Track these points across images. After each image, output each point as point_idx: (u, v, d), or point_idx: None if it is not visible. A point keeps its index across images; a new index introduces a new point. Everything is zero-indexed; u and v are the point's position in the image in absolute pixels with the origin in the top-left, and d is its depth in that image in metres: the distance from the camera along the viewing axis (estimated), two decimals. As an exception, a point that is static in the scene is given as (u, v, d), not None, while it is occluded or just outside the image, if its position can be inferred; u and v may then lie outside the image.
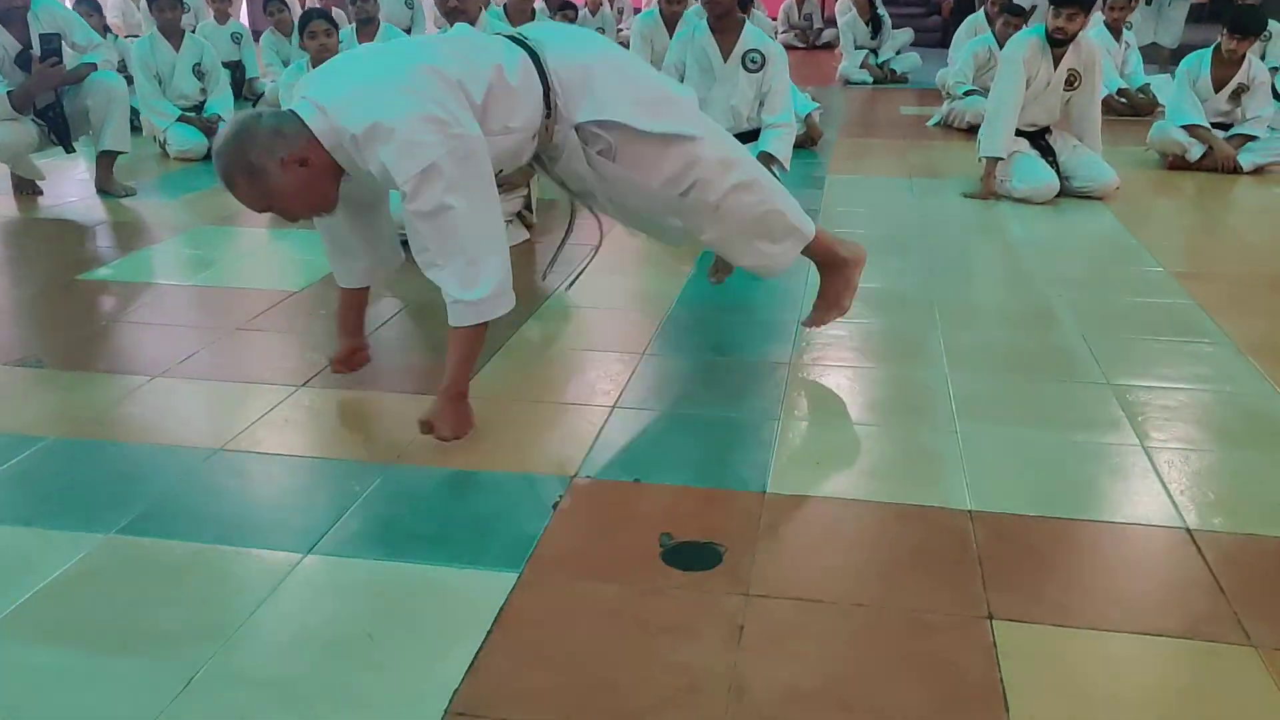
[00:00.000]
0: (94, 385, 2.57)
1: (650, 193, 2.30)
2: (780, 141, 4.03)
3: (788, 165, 4.12)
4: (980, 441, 2.24)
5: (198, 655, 1.55)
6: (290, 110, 2.09)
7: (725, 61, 4.05)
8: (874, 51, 8.97)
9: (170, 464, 2.15)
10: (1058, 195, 4.46)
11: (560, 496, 2.03)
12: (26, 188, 4.63)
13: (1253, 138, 5.02)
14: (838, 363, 2.72)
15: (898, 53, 9.22)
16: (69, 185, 4.87)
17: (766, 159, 3.99)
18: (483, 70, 2.13)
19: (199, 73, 5.53)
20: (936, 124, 6.51)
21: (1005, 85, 4.46)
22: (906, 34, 9.77)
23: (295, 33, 6.83)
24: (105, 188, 4.64)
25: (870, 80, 8.81)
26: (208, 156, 5.44)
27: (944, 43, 11.14)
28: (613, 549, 1.86)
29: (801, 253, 2.54)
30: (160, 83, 5.43)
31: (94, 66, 4.49)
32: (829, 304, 2.70)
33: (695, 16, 4.94)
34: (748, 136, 4.12)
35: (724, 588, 1.73)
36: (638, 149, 2.25)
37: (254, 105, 6.49)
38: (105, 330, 3.03)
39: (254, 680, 1.51)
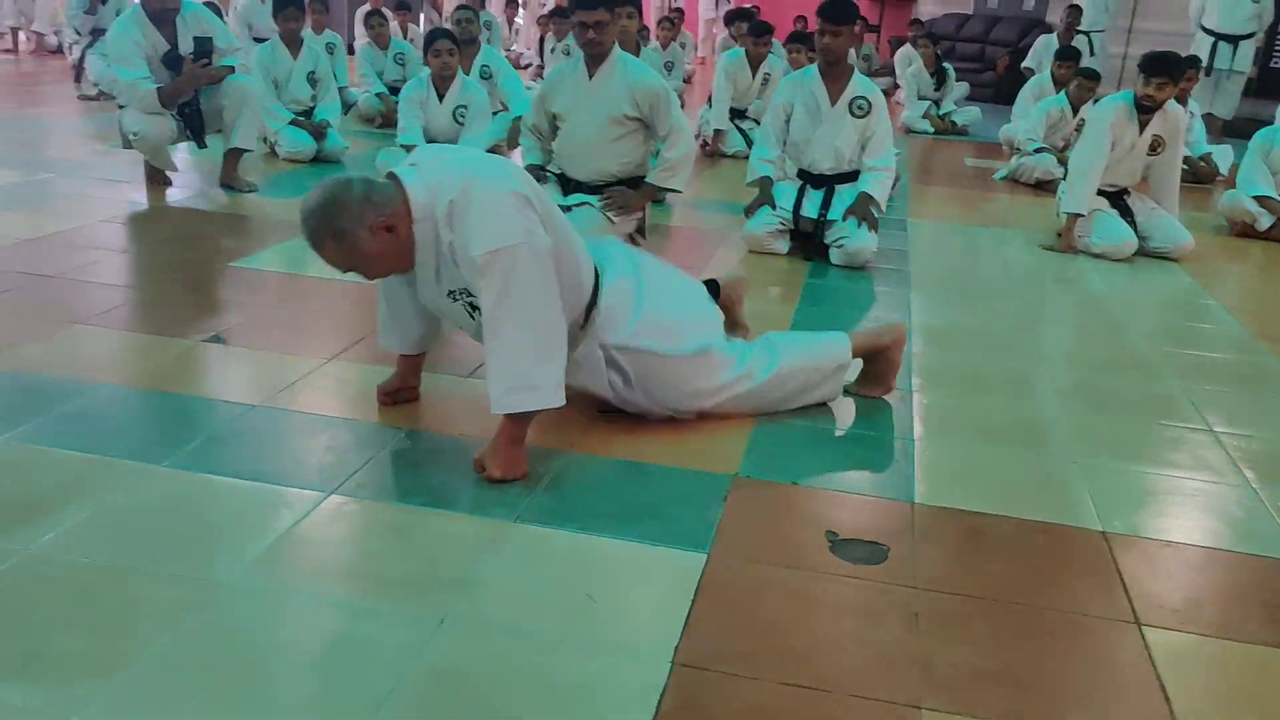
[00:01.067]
0: (278, 363, 2.80)
1: (676, 393, 2.48)
2: (879, 184, 4.26)
3: (884, 207, 4.34)
4: (1100, 472, 2.45)
5: (444, 601, 1.77)
6: (390, 174, 2.19)
7: (833, 106, 4.28)
8: (936, 103, 9.22)
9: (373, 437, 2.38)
10: (1134, 254, 4.67)
11: (727, 491, 2.24)
12: (158, 178, 4.89)
13: (1322, 212, 5.23)
14: (956, 393, 2.93)
15: (957, 105, 9.46)
16: (193, 179, 5.12)
17: (866, 199, 4.22)
18: (567, 234, 2.27)
19: (312, 80, 5.81)
20: (1004, 177, 6.74)
21: (1091, 146, 4.68)
22: (963, 88, 10.03)
23: (391, 47, 7.14)
24: (229, 183, 4.90)
25: (931, 130, 9.05)
26: (315, 159, 5.72)
27: (997, 98, 11.42)
28: (785, 540, 2.07)
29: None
30: (276, 87, 5.70)
31: (232, 69, 4.76)
32: (874, 384, 2.83)
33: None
34: (847, 177, 4.35)
35: (893, 580, 1.94)
36: (660, 366, 2.43)
37: (344, 112, 6.73)
38: (269, 313, 3.26)
39: (499, 624, 1.72)
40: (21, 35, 10.55)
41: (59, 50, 10.25)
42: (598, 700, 1.56)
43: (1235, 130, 9.05)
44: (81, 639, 1.62)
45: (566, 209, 4.00)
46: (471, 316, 2.28)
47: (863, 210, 4.20)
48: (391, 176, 2.19)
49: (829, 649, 1.72)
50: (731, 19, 9.29)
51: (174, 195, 4.81)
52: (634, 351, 2.41)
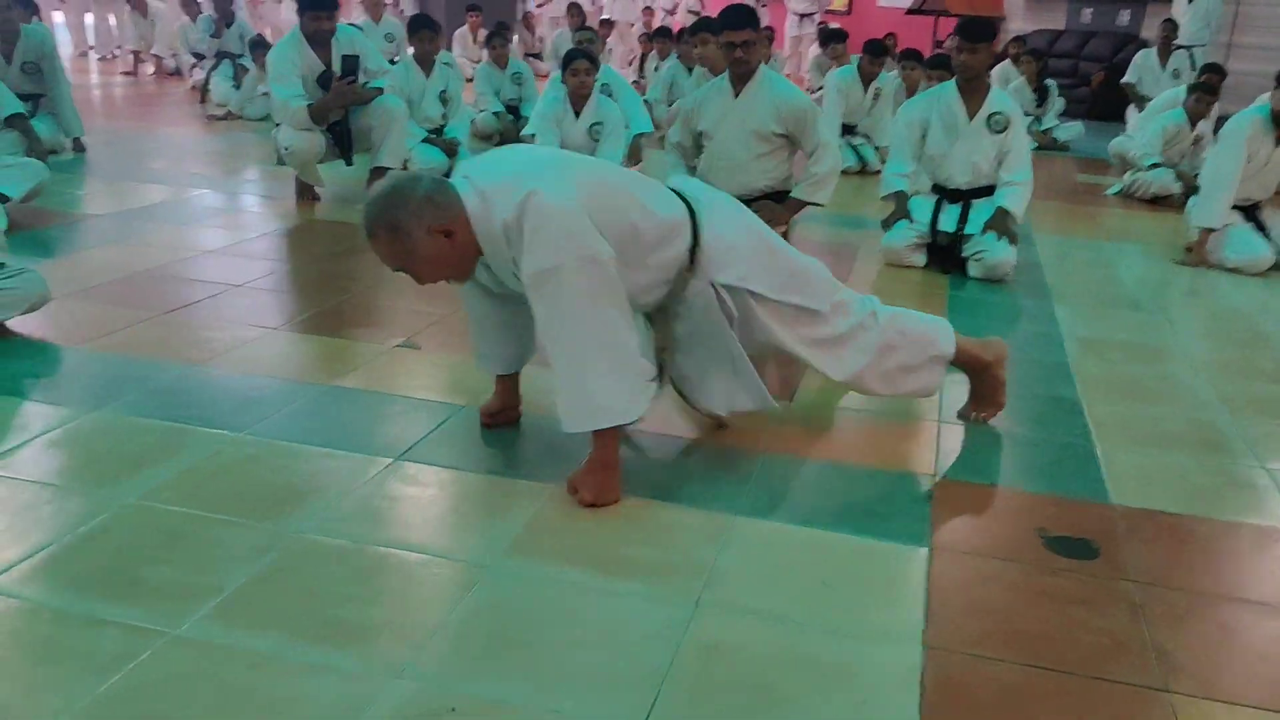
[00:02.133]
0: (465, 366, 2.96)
1: (784, 339, 2.40)
2: (1017, 197, 4.32)
3: (1021, 220, 4.40)
4: (1289, 477, 2.50)
5: (692, 585, 1.89)
6: (450, 183, 2.15)
7: (970, 121, 4.36)
8: (1037, 119, 9.21)
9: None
10: (1269, 269, 4.66)
11: (932, 490, 2.33)
12: (307, 193, 5.12)
13: None
14: (1123, 400, 2.98)
15: (1059, 121, 9.43)
16: (340, 194, 5.35)
17: (1004, 214, 4.28)
18: (643, 203, 2.23)
19: (444, 99, 6.03)
20: (1117, 192, 6.72)
21: (1225, 159, 4.69)
22: (1060, 103, 9.99)
23: (509, 66, 7.35)
24: (375, 198, 5.10)
25: (1035, 145, 9.03)
26: (447, 174, 5.92)
27: (1091, 114, 11.35)
28: (997, 536, 2.16)
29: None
30: (410, 106, 5.92)
31: (381, 91, 4.97)
32: (984, 402, 2.74)
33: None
34: (983, 191, 4.42)
35: (1109, 574, 2.02)
36: (767, 311, 2.36)
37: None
38: (451, 318, 3.42)
39: (749, 608, 1.84)
40: (142, 58, 11.00)
41: (176, 73, 10.67)
42: (863, 679, 1.66)
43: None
44: (177, 571, 1.86)
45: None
46: None
47: (1001, 225, 4.27)
48: (450, 186, 2.15)
49: (1062, 635, 1.81)
50: (827, 40, 9.37)
51: (324, 210, 5.03)
52: (739, 291, 2.33)
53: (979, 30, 4.28)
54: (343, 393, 2.75)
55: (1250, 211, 4.81)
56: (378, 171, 5.11)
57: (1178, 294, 4.41)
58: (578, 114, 5.11)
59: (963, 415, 2.75)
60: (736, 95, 4.07)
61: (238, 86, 8.25)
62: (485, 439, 2.51)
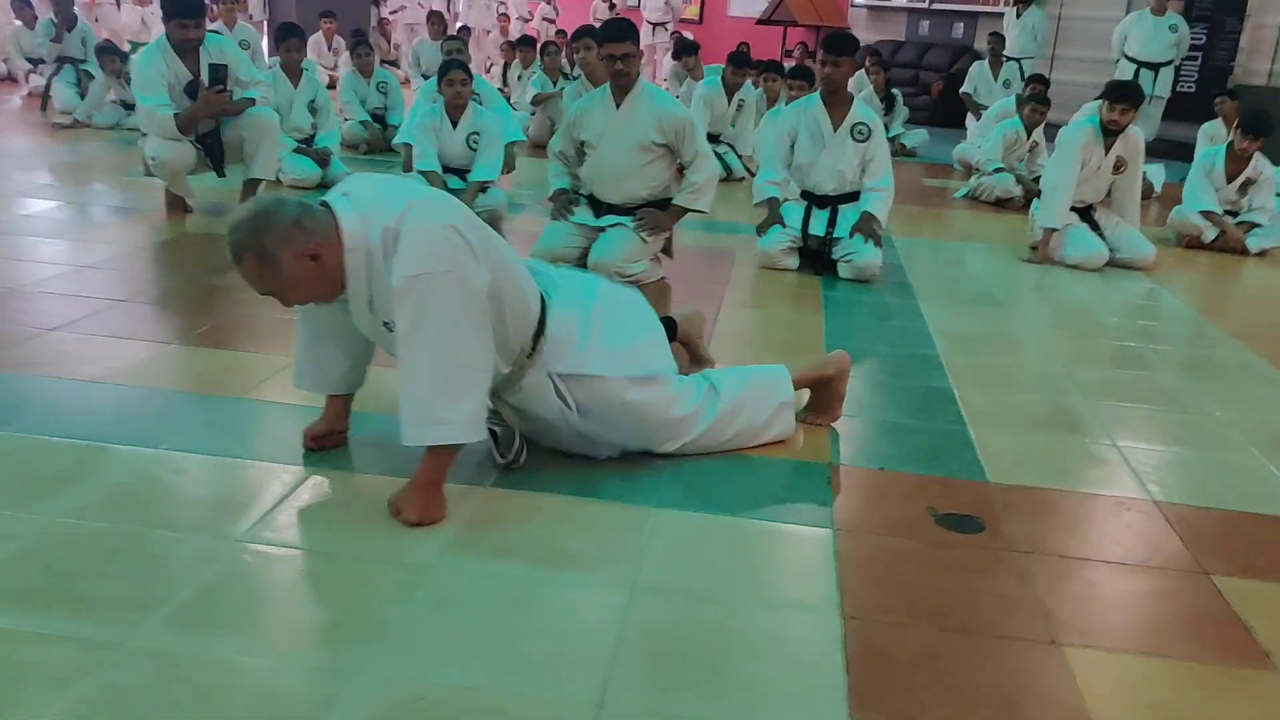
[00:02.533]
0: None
1: (626, 424, 2.43)
2: (881, 203, 4.60)
3: (884, 224, 4.68)
4: (1134, 451, 2.79)
5: (625, 572, 2.01)
6: (322, 203, 2.14)
7: (835, 131, 4.61)
8: (885, 126, 9.67)
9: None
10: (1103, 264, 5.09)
11: (829, 477, 2.52)
12: (178, 205, 5.01)
13: (1257, 225, 5.74)
14: (991, 389, 3.25)
15: (904, 128, 9.93)
16: (211, 206, 5.24)
17: (870, 218, 4.55)
18: (508, 263, 2.23)
19: (313, 108, 5.96)
20: (963, 196, 7.17)
21: (1063, 165, 5.10)
22: (905, 111, 10.52)
23: (374, 75, 7.31)
24: (250, 209, 5.03)
25: (884, 151, 9.50)
26: (319, 185, 5.87)
27: (931, 121, 11.99)
28: (893, 516, 2.36)
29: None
30: (279, 116, 5.84)
31: (253, 101, 4.91)
32: (821, 412, 2.83)
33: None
34: (849, 197, 4.69)
35: (996, 545, 2.24)
36: (608, 391, 2.38)
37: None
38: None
39: (682, 590, 1.97)
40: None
41: (8, 79, 10.15)
42: (793, 649, 1.82)
43: (1153, 151, 9.69)
44: (121, 585, 1.87)
45: (601, 229, 4.27)
46: None
47: (868, 228, 4.54)
48: (324, 205, 2.15)
49: (963, 601, 2.01)
50: (680, 52, 9.59)
51: (197, 223, 4.93)
52: (579, 378, 2.37)
53: (842, 44, 4.54)
54: (256, 405, 2.76)
55: (1085, 213, 5.24)
56: (250, 184, 5.05)
57: (1026, 289, 4.77)
58: (455, 123, 5.16)
59: (801, 421, 2.81)
60: (618, 106, 4.20)
61: (81, 94, 7.93)
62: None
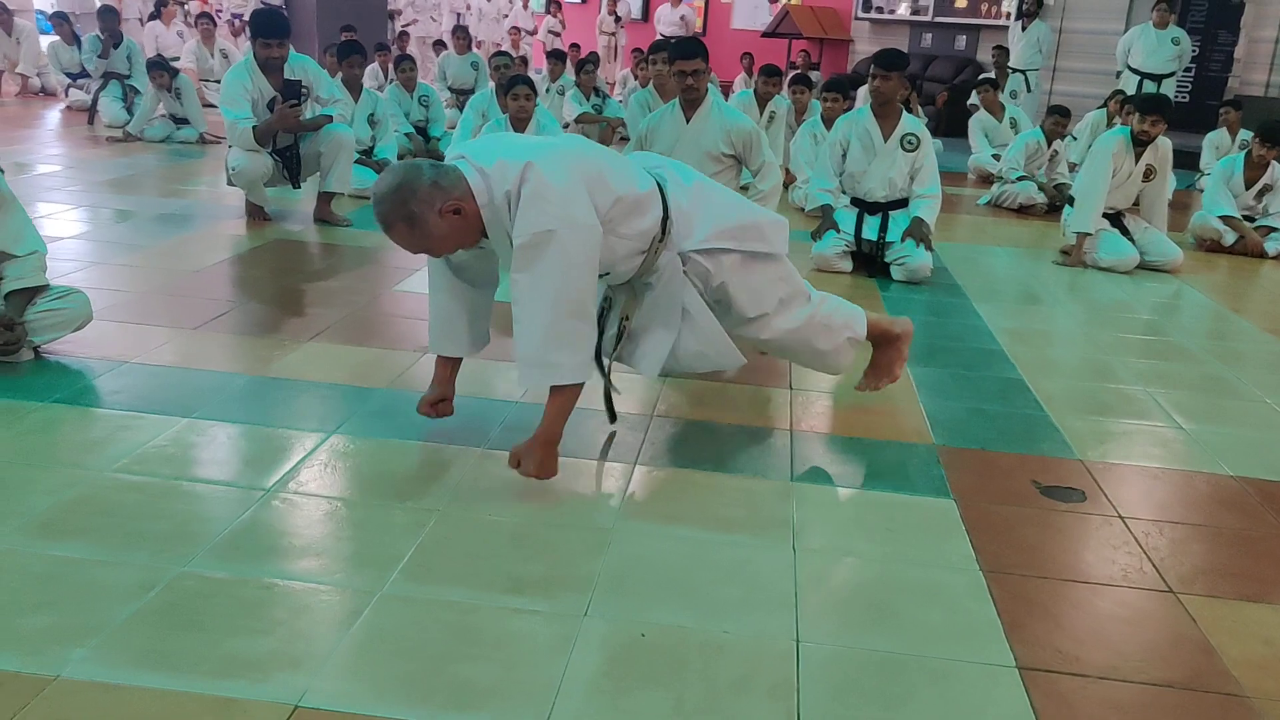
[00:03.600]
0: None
1: (741, 305, 2.65)
2: (930, 209, 4.89)
3: (933, 228, 4.96)
4: (1204, 433, 3.07)
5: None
6: (451, 164, 2.32)
7: (885, 141, 4.90)
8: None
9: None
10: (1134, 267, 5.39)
11: (937, 456, 2.79)
12: (256, 214, 5.25)
13: (1274, 229, 6.06)
14: (1058, 376, 3.52)
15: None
16: (283, 214, 5.49)
17: (920, 223, 4.84)
18: (622, 177, 2.44)
19: (371, 121, 6.22)
20: (987, 203, 7.47)
21: (1095, 173, 5.40)
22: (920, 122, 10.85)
23: (416, 89, 7.56)
24: (325, 218, 5.30)
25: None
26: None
27: (937, 132, 12.27)
28: (1002, 487, 2.63)
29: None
30: (348, 131, 6.10)
31: (330, 118, 5.16)
32: (881, 372, 3.04)
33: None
34: (899, 204, 4.97)
35: (1100, 511, 2.51)
36: (734, 269, 2.61)
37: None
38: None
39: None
40: (5, 77, 10.60)
41: (42, 92, 10.35)
42: (949, 596, 2.08)
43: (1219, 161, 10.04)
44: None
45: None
46: None
47: (919, 232, 4.82)
48: (451, 167, 2.32)
49: (1080, 558, 2.28)
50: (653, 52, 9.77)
51: (280, 231, 5.17)
52: (710, 252, 2.56)
53: (893, 60, 4.83)
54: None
55: (1116, 219, 5.54)
56: (325, 196, 5.30)
57: (1064, 289, 5.06)
58: (520, 136, 5.42)
59: (859, 388, 3.06)
60: (688, 120, 4.47)
61: (127, 108, 8.15)
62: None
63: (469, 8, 15.63)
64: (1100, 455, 2.87)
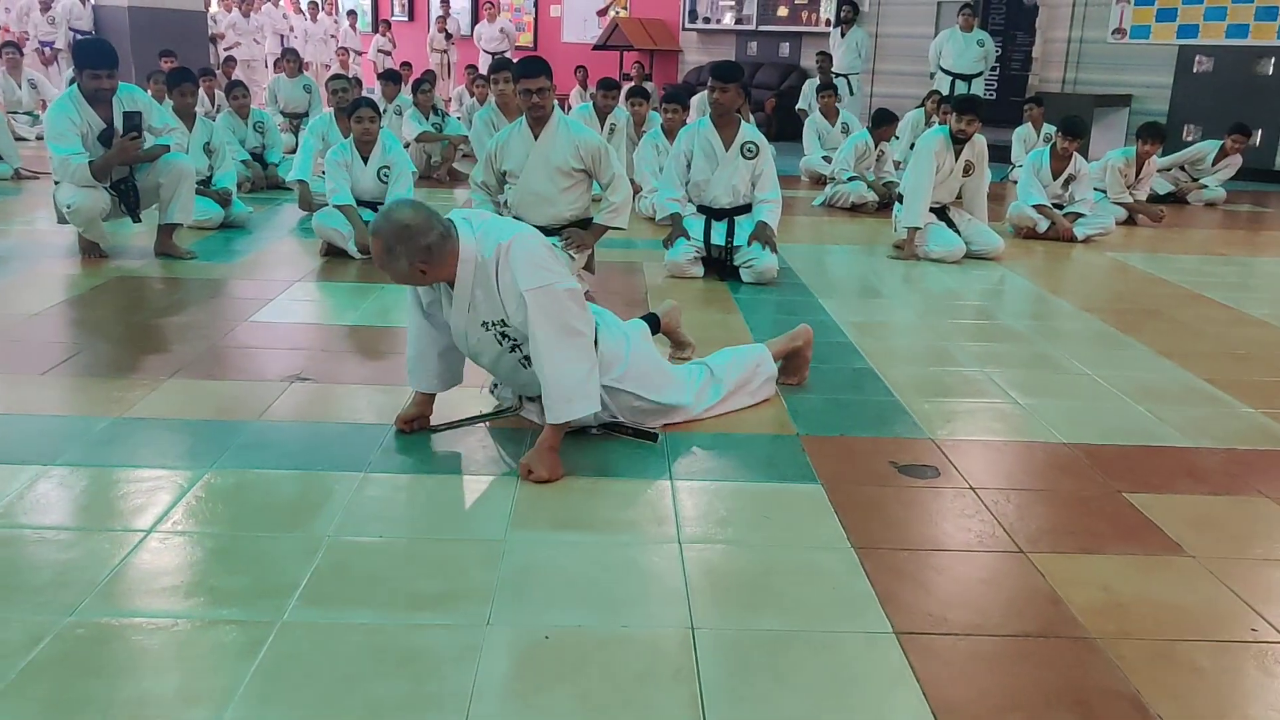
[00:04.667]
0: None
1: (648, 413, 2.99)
2: (773, 213, 5.11)
3: (776, 230, 5.18)
4: (1037, 406, 3.34)
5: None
6: (453, 233, 2.64)
7: (727, 150, 5.10)
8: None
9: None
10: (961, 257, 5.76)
11: (801, 445, 2.95)
12: (92, 250, 5.05)
13: (1081, 214, 6.57)
14: (905, 364, 3.76)
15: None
16: (119, 250, 5.29)
17: (764, 226, 5.05)
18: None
19: (209, 150, 6.04)
20: (821, 204, 7.81)
21: (920, 171, 5.74)
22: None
23: (250, 116, 7.41)
24: (168, 251, 5.14)
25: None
26: (223, 225, 5.97)
27: (767, 136, 12.70)
28: (863, 469, 2.81)
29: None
30: (185, 161, 5.91)
31: (168, 148, 5.01)
32: (792, 375, 3.47)
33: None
34: (743, 209, 5.17)
35: (952, 485, 2.72)
36: (635, 402, 2.96)
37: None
38: (351, 353, 3.67)
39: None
40: None
41: None
42: (827, 574, 2.23)
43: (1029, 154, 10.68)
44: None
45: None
46: (499, 344, 2.76)
47: (764, 236, 5.04)
48: (451, 222, 2.68)
49: (938, 528, 2.47)
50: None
51: (117, 269, 4.98)
52: (617, 392, 2.90)
53: (729, 72, 5.04)
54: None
55: (941, 213, 5.90)
56: (167, 228, 5.15)
57: (899, 281, 5.37)
58: (365, 159, 5.38)
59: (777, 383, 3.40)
60: (536, 137, 4.55)
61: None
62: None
63: (293, 30, 15.28)
64: (949, 433, 3.09)
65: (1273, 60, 9.81)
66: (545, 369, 2.64)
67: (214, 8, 14.25)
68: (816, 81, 11.35)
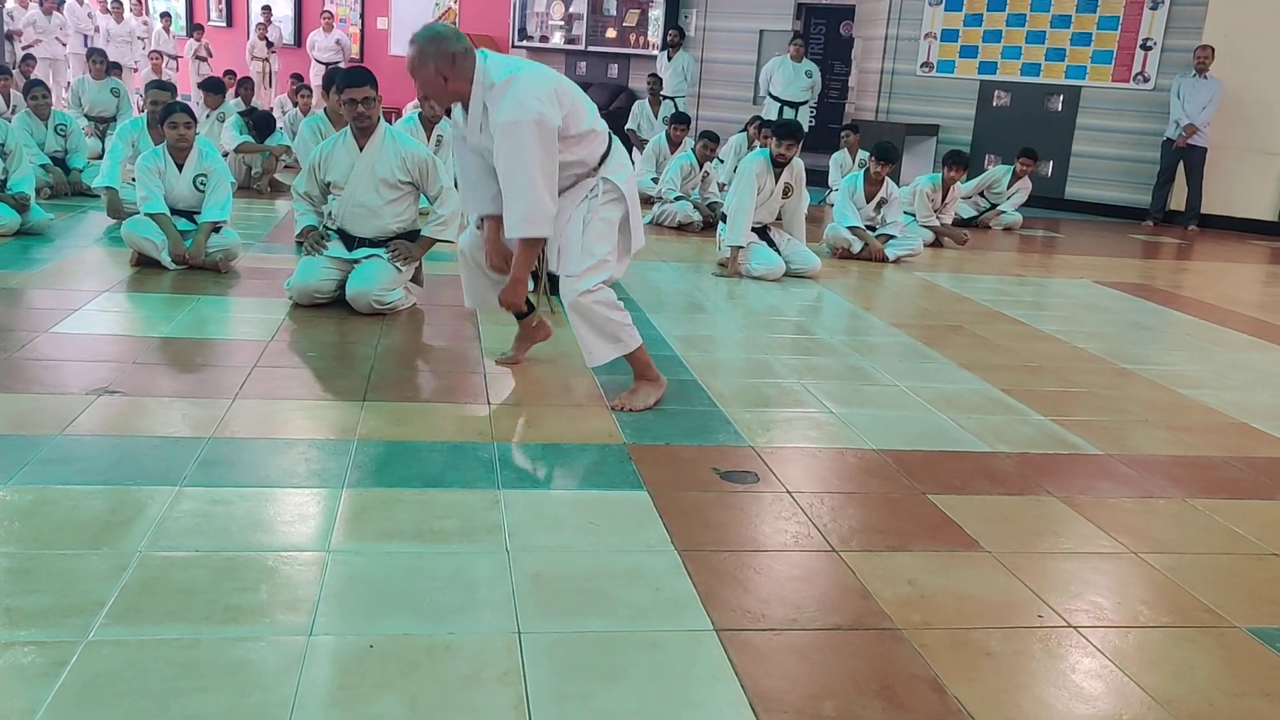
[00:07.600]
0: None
1: (599, 226, 3.39)
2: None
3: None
4: (850, 415, 3.52)
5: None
6: (475, 52, 3.19)
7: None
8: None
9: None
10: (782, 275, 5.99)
11: (628, 454, 3.02)
12: None
13: (892, 236, 6.93)
14: (728, 376, 3.89)
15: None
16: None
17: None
18: (589, 115, 3.32)
19: (3, 152, 5.66)
20: (648, 223, 7.96)
21: (744, 192, 5.94)
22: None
23: (52, 118, 7.01)
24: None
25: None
26: (19, 233, 5.61)
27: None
28: (687, 476, 2.90)
29: (624, 356, 3.45)
30: (-35, 163, 5.52)
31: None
32: (627, 401, 3.43)
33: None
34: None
35: (770, 489, 2.84)
36: (613, 198, 3.42)
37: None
38: (164, 365, 3.50)
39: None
40: None
41: None
42: (651, 576, 2.29)
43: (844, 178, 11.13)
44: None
45: (355, 261, 4.52)
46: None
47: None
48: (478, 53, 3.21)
49: (757, 529, 2.58)
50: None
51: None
52: (609, 193, 3.37)
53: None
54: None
55: (763, 233, 6.12)
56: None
57: (724, 298, 5.53)
58: (180, 166, 5.16)
59: (614, 405, 3.43)
60: (361, 148, 4.48)
61: None
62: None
63: (97, 30, 14.47)
64: (768, 441, 3.22)
65: (1062, 97, 10.63)
66: (507, 193, 3.16)
67: (10, 4, 13.33)
68: (644, 102, 11.61)
